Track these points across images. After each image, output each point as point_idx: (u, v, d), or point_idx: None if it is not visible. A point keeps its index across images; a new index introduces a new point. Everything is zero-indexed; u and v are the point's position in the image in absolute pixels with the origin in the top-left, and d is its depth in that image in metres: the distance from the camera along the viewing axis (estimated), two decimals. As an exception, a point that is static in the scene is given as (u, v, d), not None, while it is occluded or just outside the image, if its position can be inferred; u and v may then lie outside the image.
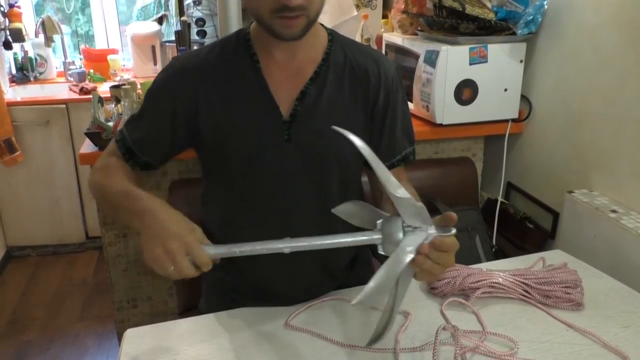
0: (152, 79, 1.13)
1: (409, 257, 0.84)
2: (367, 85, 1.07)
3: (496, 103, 1.86)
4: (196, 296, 1.33)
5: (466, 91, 1.81)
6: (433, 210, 1.75)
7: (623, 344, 1.00)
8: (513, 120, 1.91)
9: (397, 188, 0.84)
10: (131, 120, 1.10)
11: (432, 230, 0.86)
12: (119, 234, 1.83)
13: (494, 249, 1.78)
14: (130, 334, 1.05)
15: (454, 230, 0.87)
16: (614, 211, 1.40)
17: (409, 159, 1.16)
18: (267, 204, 1.09)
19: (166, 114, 1.05)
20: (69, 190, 2.98)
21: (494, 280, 1.15)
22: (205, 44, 2.29)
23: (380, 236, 0.87)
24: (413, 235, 0.85)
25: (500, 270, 1.18)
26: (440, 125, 1.84)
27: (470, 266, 1.19)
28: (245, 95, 1.04)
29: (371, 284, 0.80)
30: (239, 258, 1.16)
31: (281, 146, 1.04)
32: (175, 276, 0.84)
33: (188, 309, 1.43)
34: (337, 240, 0.87)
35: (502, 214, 1.91)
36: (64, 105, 2.85)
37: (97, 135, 1.74)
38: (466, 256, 1.18)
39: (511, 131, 1.91)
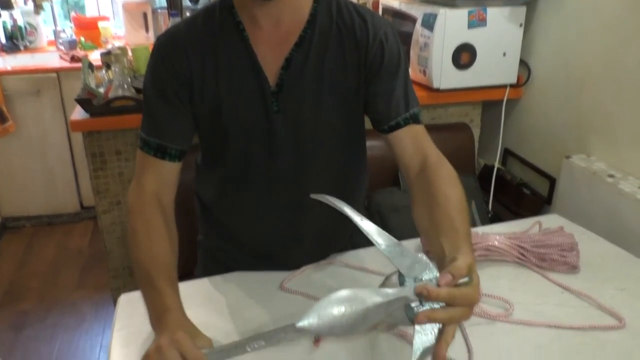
0: (143, 46, 1.09)
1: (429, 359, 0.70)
2: (355, 46, 1.01)
3: (495, 68, 1.83)
4: (192, 264, 1.32)
5: (464, 55, 1.78)
6: (429, 177, 1.74)
7: (618, 306, 1.00)
8: (511, 85, 1.88)
9: (378, 237, 0.76)
10: (143, 123, 1.03)
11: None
12: (113, 202, 1.81)
13: (490, 215, 1.77)
14: (125, 299, 1.05)
15: (466, 278, 0.72)
16: (611, 176, 1.39)
17: (418, 118, 1.03)
18: (261, 177, 1.07)
19: (171, 97, 1.00)
20: (62, 160, 2.95)
21: (490, 243, 1.14)
22: (199, 8, 2.23)
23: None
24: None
25: (496, 233, 1.17)
26: (438, 90, 1.82)
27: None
28: (235, 68, 1.00)
29: None
30: (235, 227, 1.17)
31: (271, 118, 1.01)
32: None
33: (184, 276, 1.43)
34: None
35: (498, 180, 1.90)
36: (54, 74, 2.80)
37: (88, 102, 1.72)
38: (462, 222, 1.17)
39: (509, 96, 1.89)
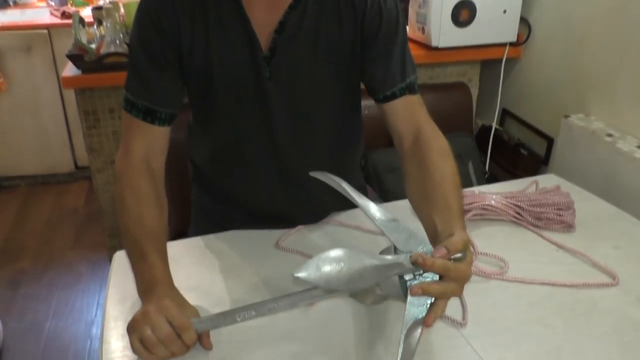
0: (135, 1, 1.03)
1: (419, 331, 0.70)
2: (352, 9, 0.97)
3: (494, 25, 1.80)
4: (186, 223, 1.31)
5: (464, 12, 1.74)
6: (426, 136, 1.72)
7: (612, 264, 1.00)
8: (511, 43, 1.85)
9: (376, 213, 0.78)
10: (130, 82, 0.98)
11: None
12: (107, 161, 1.80)
13: (486, 176, 1.77)
14: (120, 256, 1.04)
15: (458, 254, 0.72)
16: (609, 135, 1.38)
17: (414, 88, 1.01)
18: (254, 142, 1.05)
19: (159, 57, 0.95)
20: (56, 119, 2.92)
21: (486, 203, 1.14)
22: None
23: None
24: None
25: (493, 193, 1.16)
26: (436, 48, 1.78)
27: (462, 189, 1.17)
28: (226, 31, 0.96)
29: None
30: (229, 189, 1.16)
31: (264, 83, 0.98)
32: (160, 349, 0.75)
33: (178, 235, 1.43)
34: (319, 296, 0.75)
35: (496, 140, 1.89)
36: (45, 31, 2.74)
37: (79, 58, 1.68)
38: (458, 182, 1.17)
39: (509, 55, 1.86)
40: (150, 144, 0.97)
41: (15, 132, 2.91)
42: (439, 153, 0.93)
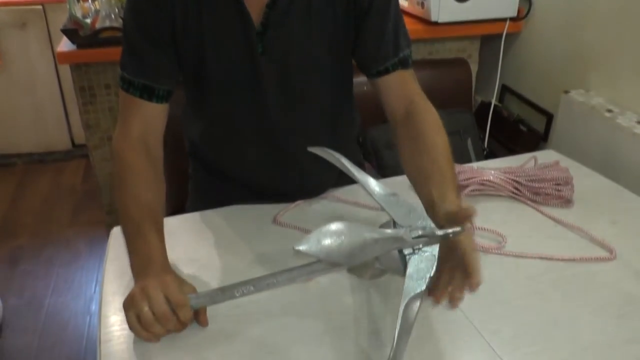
0: None
1: (417, 304, 0.69)
2: None
3: (495, 0, 1.78)
4: (185, 198, 1.31)
5: (464, -14, 1.72)
6: (425, 113, 1.71)
7: (610, 239, 1.00)
8: (511, 18, 1.83)
9: (375, 187, 0.78)
10: (125, 60, 0.97)
11: (439, 232, 0.71)
12: (104, 137, 1.79)
13: (485, 152, 1.76)
14: (118, 231, 1.04)
15: (458, 228, 0.71)
16: (609, 110, 1.37)
17: (407, 63, 1.01)
18: (247, 118, 1.04)
19: (153, 33, 0.94)
20: (52, 96, 2.90)
21: (485, 178, 1.13)
22: None
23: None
24: (417, 263, 0.71)
25: (492, 168, 1.16)
26: (436, 23, 1.76)
27: (461, 165, 1.17)
28: (218, 8, 0.94)
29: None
30: (224, 165, 1.15)
31: (256, 59, 0.96)
32: (155, 327, 0.75)
33: (176, 211, 1.42)
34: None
35: (495, 117, 1.88)
36: (40, 6, 2.70)
37: (74, 32, 1.66)
38: (457, 159, 1.15)
39: (509, 30, 1.84)
40: (148, 122, 0.96)
41: (11, 109, 2.89)
42: (432, 127, 0.94)
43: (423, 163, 0.89)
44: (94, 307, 2.00)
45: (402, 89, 1.00)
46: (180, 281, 0.81)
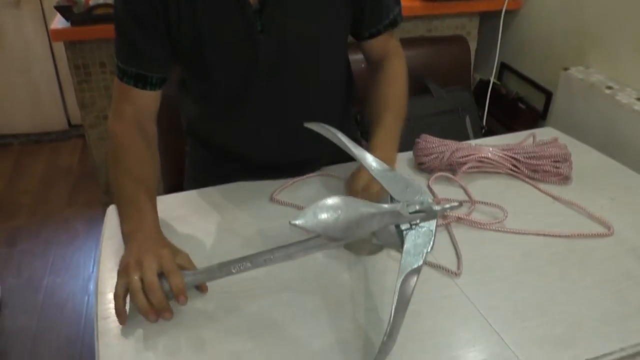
0: None
1: (415, 279, 0.69)
2: None
3: (494, -25, 1.75)
4: (182, 177, 1.30)
5: (463, -39, 1.69)
6: (424, 90, 1.70)
7: (608, 215, 1.00)
8: (511, -6, 1.81)
9: (372, 162, 0.78)
10: (118, 48, 0.96)
11: (437, 207, 0.73)
12: (100, 116, 1.77)
13: (483, 130, 1.75)
14: (114, 210, 1.04)
15: (455, 203, 0.75)
16: (609, 87, 1.36)
17: (397, 23, 1.08)
18: (244, 97, 1.03)
19: (145, 20, 0.93)
20: (47, 75, 2.87)
21: (483, 155, 1.13)
22: None
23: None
24: (414, 238, 0.71)
25: (490, 145, 1.15)
26: (434, -1, 1.74)
27: (459, 142, 1.16)
28: None
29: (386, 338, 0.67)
30: (220, 142, 1.14)
31: (255, 38, 0.95)
32: (138, 296, 0.74)
33: (173, 189, 1.42)
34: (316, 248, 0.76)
35: (493, 95, 1.87)
36: (33, -16, 2.66)
37: (68, 9, 1.64)
38: (455, 137, 1.15)
39: (508, 7, 1.81)
40: (141, 107, 0.97)
41: (6, 89, 2.86)
42: (387, 78, 1.09)
43: (373, 112, 1.07)
44: (92, 286, 2.00)
45: (385, 45, 1.10)
46: (175, 251, 0.81)
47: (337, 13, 0.99)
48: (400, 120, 1.07)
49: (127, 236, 0.83)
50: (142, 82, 0.95)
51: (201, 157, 1.20)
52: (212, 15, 0.93)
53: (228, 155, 1.15)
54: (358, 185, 0.95)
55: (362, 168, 0.95)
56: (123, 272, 0.76)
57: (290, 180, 1.10)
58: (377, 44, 1.09)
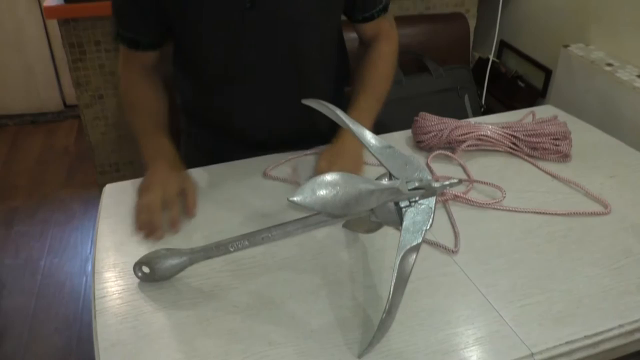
0: None
1: (414, 257, 0.68)
2: None
3: (494, -50, 1.73)
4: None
5: (462, -63, 1.66)
6: (422, 69, 1.69)
7: (608, 193, 1.00)
8: (511, -29, 1.78)
9: (371, 139, 0.76)
10: (114, 12, 1.01)
11: (436, 184, 0.71)
12: (95, 95, 1.75)
13: (482, 109, 1.74)
14: (110, 188, 1.03)
15: (455, 180, 0.73)
16: (609, 64, 1.34)
17: (388, 7, 1.10)
18: (236, 74, 1.04)
19: None
20: (42, 56, 2.84)
21: (482, 133, 1.12)
22: None
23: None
24: (413, 215, 0.70)
25: (489, 123, 1.14)
26: (433, -24, 1.71)
27: (458, 119, 1.15)
28: None
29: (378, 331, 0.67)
30: (215, 116, 1.14)
31: (244, 14, 0.94)
32: (157, 212, 0.87)
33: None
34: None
35: (493, 73, 1.85)
36: (25, -39, 2.62)
37: (60, -14, 1.61)
38: (454, 116, 1.14)
39: (508, -17, 1.79)
40: (143, 64, 1.05)
41: (1, 70, 2.83)
42: (371, 60, 1.10)
43: (354, 90, 1.09)
44: (89, 267, 2.00)
45: (377, 27, 1.11)
46: (184, 176, 0.95)
47: None
48: (376, 102, 1.08)
49: (146, 164, 0.95)
50: (135, 45, 1.02)
51: (196, 133, 1.20)
52: None
53: (222, 132, 1.14)
54: (321, 166, 0.97)
55: (327, 148, 1.01)
56: (145, 189, 0.89)
57: (284, 158, 1.09)
58: (369, 27, 1.10)
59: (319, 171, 0.96)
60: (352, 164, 1.00)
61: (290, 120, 1.09)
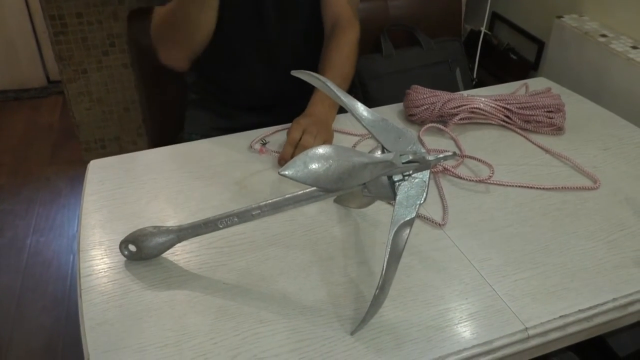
0: None
1: (407, 231, 0.67)
2: None
3: None
4: (165, 135, 1.27)
5: None
6: (413, 42, 1.66)
7: (601, 165, 0.99)
8: (503, -60, 1.74)
9: (363, 112, 0.73)
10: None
11: (430, 157, 0.69)
12: (78, 70, 1.71)
13: (474, 82, 1.72)
14: (95, 164, 1.01)
15: (449, 152, 0.72)
16: (603, 35, 1.32)
17: None
18: (242, 42, 1.12)
19: None
20: (23, 30, 2.76)
21: (475, 106, 1.10)
22: None
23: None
24: (407, 189, 0.68)
25: (482, 96, 1.12)
26: (424, -55, 1.67)
27: (451, 92, 1.13)
28: None
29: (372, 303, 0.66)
30: (219, 79, 1.21)
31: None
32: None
33: (168, 142, 1.39)
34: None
35: (484, 46, 1.82)
36: None
37: (39, -44, 1.55)
38: (445, 89, 1.12)
39: (500, -47, 1.75)
40: None
41: (-19, 45, 2.76)
42: (336, 44, 1.10)
43: (320, 70, 1.08)
44: (76, 245, 1.97)
45: (338, 11, 1.12)
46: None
47: None
48: (343, 82, 1.08)
49: None
50: None
51: (203, 88, 1.27)
52: None
53: (229, 90, 1.22)
54: (294, 136, 0.96)
55: (299, 117, 1.00)
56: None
57: (271, 129, 1.07)
58: (330, 9, 1.13)
59: (290, 141, 0.95)
60: (326, 133, 1.00)
61: (287, 90, 1.12)
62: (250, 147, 1.02)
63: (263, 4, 1.09)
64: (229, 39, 1.14)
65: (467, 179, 0.95)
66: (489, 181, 0.95)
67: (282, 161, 0.95)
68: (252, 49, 1.16)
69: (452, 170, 0.96)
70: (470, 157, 1.00)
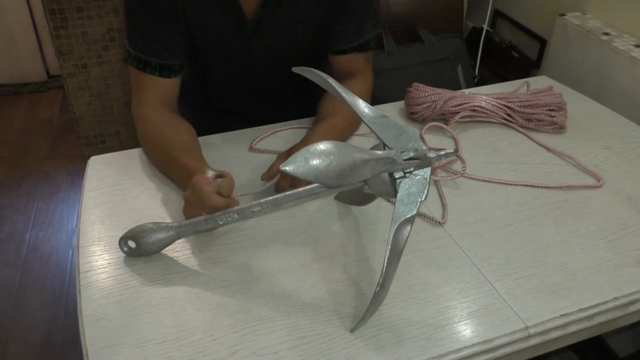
0: None
1: (408, 229, 0.66)
2: None
3: None
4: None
5: None
6: (415, 38, 1.65)
7: (603, 164, 0.99)
8: (506, -63, 1.74)
9: (364, 108, 0.73)
10: (135, 40, 0.95)
11: (431, 154, 0.69)
12: (78, 65, 1.70)
13: (476, 80, 1.71)
14: (95, 160, 1.00)
15: (450, 150, 0.73)
16: (606, 34, 1.32)
17: (367, 47, 1.06)
18: (235, 84, 1.11)
19: (161, 9, 0.94)
20: (23, 24, 2.75)
21: (476, 104, 1.09)
22: None
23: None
24: (408, 187, 0.68)
25: (483, 94, 1.12)
26: (426, -58, 1.67)
27: (452, 90, 1.12)
28: (218, 6, 0.96)
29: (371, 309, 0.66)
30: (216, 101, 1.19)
31: (249, 47, 1.02)
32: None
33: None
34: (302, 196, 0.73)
35: (486, 43, 1.82)
36: None
37: (39, -50, 1.54)
38: (447, 87, 1.11)
39: (503, -50, 1.75)
40: (164, 93, 0.99)
41: (-20, 38, 2.74)
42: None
43: (323, 112, 1.00)
44: (75, 240, 1.97)
45: (351, 67, 1.06)
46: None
47: (321, 27, 1.02)
48: (348, 130, 1.03)
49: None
50: (166, 71, 0.97)
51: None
52: (214, 26, 0.98)
53: (220, 110, 1.19)
54: (276, 167, 0.89)
55: (288, 149, 0.92)
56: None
57: (270, 130, 1.06)
58: (342, 61, 1.07)
59: (273, 169, 0.89)
60: None
61: (284, 102, 1.14)
62: (251, 148, 1.02)
63: (250, 51, 1.03)
64: (219, 82, 1.11)
65: (468, 177, 0.95)
66: (490, 180, 0.94)
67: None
68: (243, 88, 1.12)
69: (452, 172, 0.95)
70: (471, 155, 1.00)
